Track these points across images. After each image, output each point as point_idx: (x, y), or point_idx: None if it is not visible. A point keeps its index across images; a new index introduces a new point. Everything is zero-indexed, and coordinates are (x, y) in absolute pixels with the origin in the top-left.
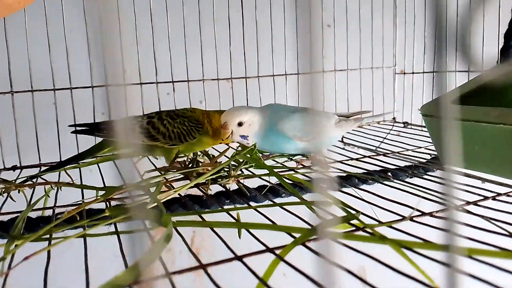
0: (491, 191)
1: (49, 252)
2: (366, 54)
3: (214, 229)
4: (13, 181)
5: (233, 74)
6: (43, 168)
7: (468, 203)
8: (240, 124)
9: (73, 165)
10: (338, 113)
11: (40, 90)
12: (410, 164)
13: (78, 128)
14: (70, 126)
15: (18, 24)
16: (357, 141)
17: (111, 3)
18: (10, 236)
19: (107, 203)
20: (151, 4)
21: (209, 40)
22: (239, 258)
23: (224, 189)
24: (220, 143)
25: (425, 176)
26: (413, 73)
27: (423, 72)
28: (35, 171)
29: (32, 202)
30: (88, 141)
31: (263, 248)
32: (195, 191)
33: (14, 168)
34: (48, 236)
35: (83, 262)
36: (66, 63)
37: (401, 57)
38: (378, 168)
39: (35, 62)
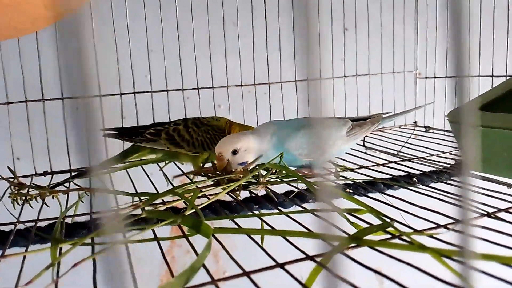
0: None
1: (94, 258)
2: (387, 59)
3: (251, 236)
4: (47, 187)
5: (256, 80)
6: (73, 174)
7: (500, 210)
8: (234, 152)
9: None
10: (354, 117)
11: (69, 98)
12: (435, 169)
13: (108, 132)
14: (101, 129)
15: (48, 33)
16: (378, 145)
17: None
18: (53, 239)
19: (143, 209)
20: (177, 13)
21: (233, 46)
22: (281, 266)
23: (252, 195)
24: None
25: (451, 182)
26: (435, 77)
27: (446, 77)
28: (65, 176)
29: (66, 207)
30: (116, 147)
31: (302, 255)
32: (225, 196)
33: (45, 173)
34: (89, 241)
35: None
36: (96, 72)
37: (422, 62)
38: (402, 173)
39: (62, 71)
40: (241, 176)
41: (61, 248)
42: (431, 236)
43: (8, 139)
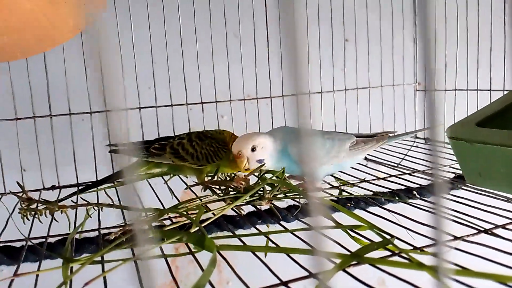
0: None
1: (105, 276)
2: (387, 71)
3: (256, 253)
4: (55, 201)
5: (259, 93)
6: (80, 188)
7: (497, 226)
8: (253, 149)
9: (109, 184)
10: (358, 133)
11: (76, 114)
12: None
13: (114, 148)
14: (107, 146)
15: (56, 50)
16: (378, 157)
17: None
18: (64, 258)
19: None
20: (181, 29)
21: (236, 57)
22: (285, 284)
23: (255, 209)
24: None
25: (449, 196)
26: (434, 90)
27: (444, 90)
28: (72, 190)
29: (75, 223)
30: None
31: (305, 273)
32: (228, 211)
33: (53, 188)
34: (99, 258)
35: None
36: (102, 87)
37: (421, 74)
38: (402, 187)
39: (71, 87)
40: (243, 184)
41: (71, 267)
42: (428, 253)
43: (17, 153)
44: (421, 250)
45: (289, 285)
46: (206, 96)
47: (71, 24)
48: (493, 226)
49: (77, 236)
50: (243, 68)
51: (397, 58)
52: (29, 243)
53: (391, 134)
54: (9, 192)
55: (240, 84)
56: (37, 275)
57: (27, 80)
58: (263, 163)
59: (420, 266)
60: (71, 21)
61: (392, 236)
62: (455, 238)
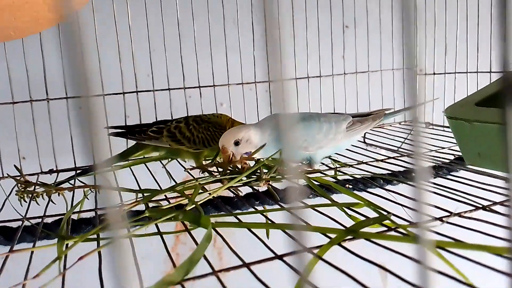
0: None
1: (99, 252)
2: (386, 56)
3: (251, 229)
4: (53, 184)
5: (257, 78)
6: (78, 171)
7: (495, 203)
8: (237, 143)
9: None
10: (355, 113)
11: (73, 97)
12: (434, 164)
13: (113, 131)
14: (105, 128)
15: (52, 34)
16: (378, 141)
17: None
18: (59, 236)
19: (146, 205)
20: (178, 13)
21: (234, 44)
22: (280, 257)
23: (253, 191)
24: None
25: (449, 177)
26: (434, 74)
27: (444, 73)
28: (70, 174)
29: (72, 205)
30: (119, 145)
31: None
32: (226, 193)
33: (51, 171)
34: (95, 236)
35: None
36: (99, 71)
37: (422, 58)
38: (401, 169)
39: (65, 70)
40: (243, 168)
41: (67, 244)
42: (435, 232)
43: (14, 138)
44: (416, 224)
45: (284, 258)
46: (204, 81)
47: (66, 5)
48: (491, 203)
49: (74, 217)
50: (241, 54)
51: (396, 43)
52: (25, 223)
53: (387, 112)
54: (7, 175)
55: (238, 70)
56: (31, 253)
57: (23, 63)
58: (252, 155)
59: (415, 239)
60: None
61: (388, 212)
62: (452, 214)
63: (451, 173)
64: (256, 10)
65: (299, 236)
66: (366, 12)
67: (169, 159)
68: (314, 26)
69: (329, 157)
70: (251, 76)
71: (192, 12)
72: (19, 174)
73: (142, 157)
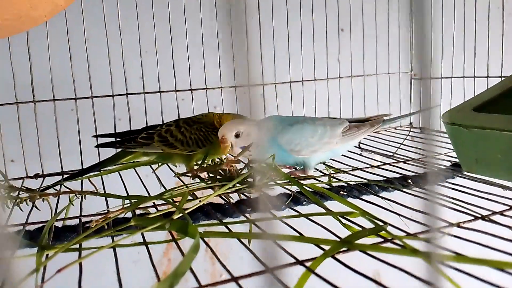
0: None
1: (80, 263)
2: (382, 60)
3: (241, 240)
4: (37, 190)
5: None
6: (65, 176)
7: (494, 213)
8: (237, 135)
9: (95, 173)
10: (352, 118)
11: (62, 99)
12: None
13: (100, 142)
14: (93, 136)
15: (39, 34)
16: (373, 146)
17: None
18: (39, 246)
19: (133, 212)
20: (170, 15)
21: (228, 47)
22: (271, 271)
23: (245, 197)
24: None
25: (446, 184)
26: (430, 78)
27: (441, 78)
28: (57, 179)
29: (57, 211)
30: (108, 150)
31: (292, 260)
32: (217, 199)
33: (36, 176)
34: (77, 246)
35: (109, 269)
36: (87, 72)
37: (417, 63)
38: (397, 175)
39: (56, 72)
40: (233, 167)
41: (47, 254)
42: (421, 239)
43: None
44: (414, 236)
45: (275, 272)
46: (195, 84)
47: (52, 2)
48: (491, 212)
49: (58, 224)
50: (234, 57)
51: (392, 46)
52: (6, 230)
53: (385, 118)
54: None
55: (231, 73)
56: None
57: (9, 64)
58: (246, 149)
59: (413, 252)
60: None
61: (385, 223)
62: (451, 224)
63: (447, 180)
64: (250, 11)
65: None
66: (362, 15)
67: (159, 164)
68: (309, 29)
69: (324, 163)
70: (245, 79)
71: (184, 13)
72: (2, 178)
73: (131, 161)
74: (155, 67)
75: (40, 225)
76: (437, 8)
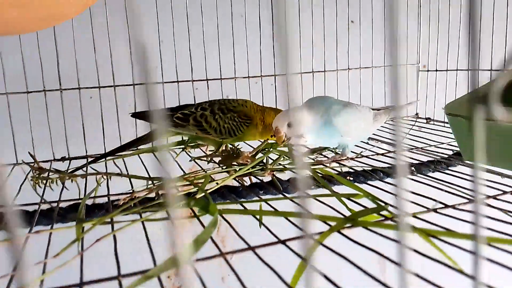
0: (510, 186)
1: (114, 235)
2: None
3: (254, 216)
4: (65, 171)
5: (263, 72)
6: (89, 159)
7: (489, 197)
8: (289, 125)
9: (118, 154)
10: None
11: (86, 88)
12: (433, 159)
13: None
14: (132, 116)
15: (66, 28)
16: (380, 136)
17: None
18: (77, 219)
19: (156, 192)
20: (188, 9)
21: (241, 39)
22: (283, 242)
23: (258, 181)
24: (271, 142)
25: (447, 171)
26: (436, 70)
27: (446, 70)
28: (82, 161)
29: (85, 191)
30: (128, 135)
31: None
32: (231, 182)
33: (63, 159)
34: (109, 220)
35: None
36: (110, 62)
37: (425, 55)
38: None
39: (81, 63)
40: (249, 160)
41: (83, 227)
42: (415, 217)
43: (28, 127)
44: (413, 215)
45: (287, 243)
46: (211, 74)
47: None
48: (485, 196)
49: (87, 202)
50: (248, 48)
51: (400, 38)
52: (41, 207)
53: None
54: (21, 162)
55: (244, 64)
56: (50, 234)
57: (37, 54)
58: (301, 137)
59: (411, 228)
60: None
61: (386, 203)
62: (446, 206)
63: (449, 168)
64: (263, 6)
65: (302, 223)
66: (372, 8)
67: (181, 150)
68: (320, 22)
69: (330, 149)
70: (258, 70)
71: (201, 6)
72: (33, 161)
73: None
74: (173, 58)
75: (72, 203)
76: (444, 3)
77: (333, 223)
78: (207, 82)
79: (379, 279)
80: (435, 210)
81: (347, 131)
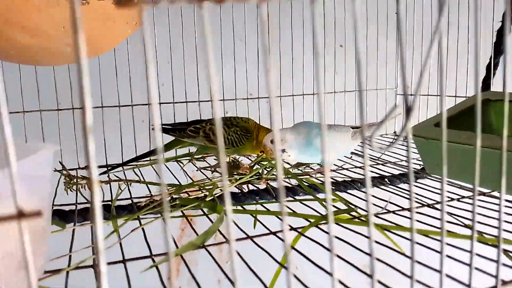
0: (458, 195)
1: (143, 228)
2: (371, 76)
3: (253, 215)
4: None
5: (260, 93)
6: (109, 168)
7: (438, 202)
8: (272, 142)
9: (134, 164)
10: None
11: (108, 107)
12: (404, 172)
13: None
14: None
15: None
16: (361, 151)
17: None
18: (112, 215)
19: (172, 196)
20: (183, 31)
21: (241, 60)
22: (274, 233)
23: (255, 188)
24: (259, 155)
25: (415, 183)
26: (411, 94)
27: (420, 95)
28: (102, 170)
29: (111, 195)
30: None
31: (289, 227)
32: (232, 189)
33: (86, 167)
34: (136, 217)
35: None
36: (129, 84)
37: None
38: (376, 175)
39: (104, 83)
40: (247, 171)
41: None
42: (377, 216)
43: (57, 139)
44: (376, 215)
45: (278, 234)
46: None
47: (119, 37)
48: (435, 202)
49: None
50: (247, 70)
51: (380, 63)
52: (76, 207)
53: (370, 124)
54: (54, 170)
55: (244, 85)
56: (91, 227)
57: (68, 76)
58: (285, 152)
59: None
60: (119, 37)
61: (356, 206)
62: (403, 209)
63: (417, 181)
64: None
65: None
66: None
67: (193, 154)
68: (310, 45)
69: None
70: (255, 89)
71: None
72: (62, 168)
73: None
74: (182, 78)
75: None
76: (409, 24)
77: (312, 220)
78: (211, 102)
79: (351, 262)
80: (394, 212)
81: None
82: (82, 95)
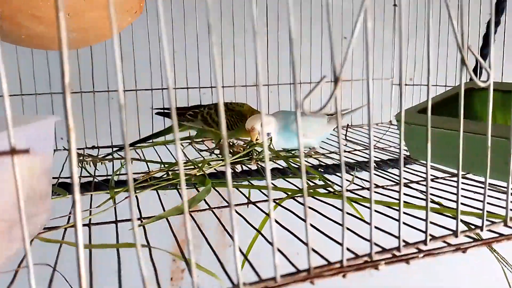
0: (434, 176)
1: (136, 196)
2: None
3: (239, 189)
4: (97, 156)
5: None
6: (114, 148)
7: (412, 181)
8: (261, 125)
9: (140, 145)
10: (325, 113)
11: (114, 91)
12: (393, 158)
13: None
14: (156, 113)
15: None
16: (357, 139)
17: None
18: (110, 187)
19: (168, 172)
20: (197, 25)
21: (241, 50)
22: (254, 203)
23: (247, 168)
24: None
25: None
26: (406, 85)
27: (413, 85)
28: (108, 150)
29: (112, 170)
30: (147, 130)
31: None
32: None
33: (93, 147)
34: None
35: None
36: (134, 70)
37: (397, 69)
38: (365, 160)
39: (111, 69)
40: (241, 149)
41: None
42: (352, 192)
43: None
44: (351, 191)
45: (258, 204)
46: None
47: (125, 23)
48: (408, 181)
49: (114, 179)
50: (246, 60)
51: (377, 53)
52: (81, 180)
53: (343, 112)
54: (62, 148)
55: (243, 73)
56: (91, 196)
57: (76, 62)
58: (270, 136)
59: (339, 195)
60: (125, 21)
61: (332, 182)
62: (377, 186)
63: (405, 166)
64: (260, 22)
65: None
66: (353, 26)
67: (201, 137)
68: (318, 36)
69: (309, 148)
70: (254, 79)
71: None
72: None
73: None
74: (183, 66)
75: (103, 178)
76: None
77: (290, 193)
78: (211, 89)
79: (324, 232)
80: (368, 189)
81: (304, 134)
82: (62, 62)
